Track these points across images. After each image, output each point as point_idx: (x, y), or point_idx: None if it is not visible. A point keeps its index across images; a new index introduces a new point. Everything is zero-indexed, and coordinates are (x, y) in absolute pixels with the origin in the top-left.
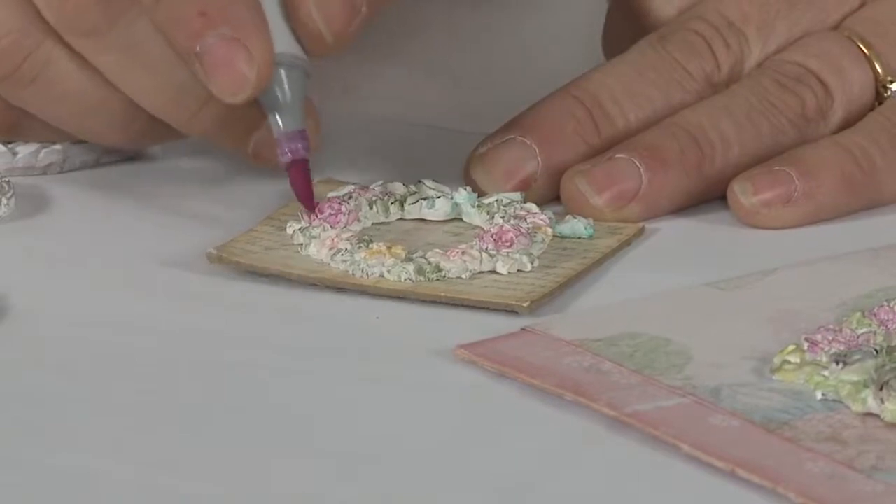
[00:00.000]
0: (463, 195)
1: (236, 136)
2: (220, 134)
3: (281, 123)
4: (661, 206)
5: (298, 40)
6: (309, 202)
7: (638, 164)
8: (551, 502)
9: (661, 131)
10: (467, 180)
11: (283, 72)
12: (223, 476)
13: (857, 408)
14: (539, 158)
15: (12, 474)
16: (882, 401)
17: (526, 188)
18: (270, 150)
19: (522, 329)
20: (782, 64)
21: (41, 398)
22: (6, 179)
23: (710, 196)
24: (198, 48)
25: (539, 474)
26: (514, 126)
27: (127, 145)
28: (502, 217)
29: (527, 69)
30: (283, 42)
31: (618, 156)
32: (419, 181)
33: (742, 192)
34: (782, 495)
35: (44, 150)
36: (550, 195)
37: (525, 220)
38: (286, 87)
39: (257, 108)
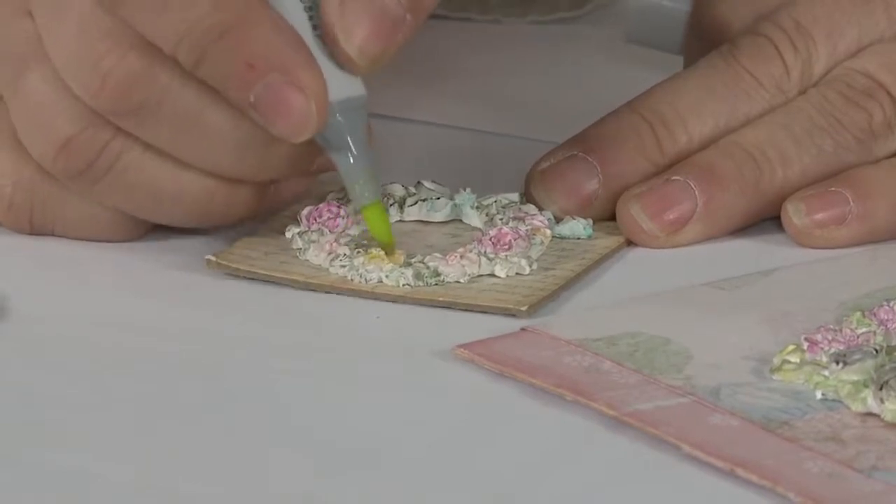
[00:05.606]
0: (462, 196)
1: (304, 167)
2: (290, 170)
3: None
4: (718, 227)
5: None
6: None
7: (693, 185)
8: (550, 502)
9: (719, 150)
10: (528, 196)
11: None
12: (223, 476)
13: (856, 407)
14: (600, 176)
15: (12, 474)
16: (882, 400)
17: (587, 206)
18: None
19: (522, 329)
20: (850, 74)
21: (41, 398)
22: None
23: (770, 214)
24: (251, 98)
25: (538, 474)
26: (577, 142)
27: (206, 225)
28: (501, 219)
29: (525, 65)
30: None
31: (673, 178)
32: (418, 182)
33: (795, 212)
34: (782, 495)
35: None
36: (611, 213)
37: (524, 221)
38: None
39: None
